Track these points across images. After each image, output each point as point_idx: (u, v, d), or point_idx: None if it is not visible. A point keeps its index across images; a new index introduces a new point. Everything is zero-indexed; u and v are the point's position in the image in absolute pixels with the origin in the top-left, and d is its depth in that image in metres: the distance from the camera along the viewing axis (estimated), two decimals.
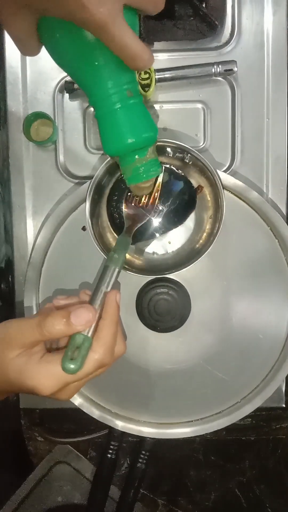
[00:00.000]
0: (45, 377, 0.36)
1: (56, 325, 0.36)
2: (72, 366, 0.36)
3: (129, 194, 0.49)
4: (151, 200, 0.49)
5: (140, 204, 0.49)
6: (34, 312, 0.55)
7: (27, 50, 0.37)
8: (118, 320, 0.40)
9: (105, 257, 0.49)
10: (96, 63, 0.36)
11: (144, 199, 0.49)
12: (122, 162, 0.43)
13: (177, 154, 0.50)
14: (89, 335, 0.37)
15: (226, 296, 0.55)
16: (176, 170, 0.51)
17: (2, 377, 0.37)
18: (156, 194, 0.49)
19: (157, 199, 0.49)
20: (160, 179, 0.49)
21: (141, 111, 0.40)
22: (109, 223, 0.53)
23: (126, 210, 0.49)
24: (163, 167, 0.50)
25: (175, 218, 0.52)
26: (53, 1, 0.31)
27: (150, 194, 0.49)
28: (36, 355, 0.37)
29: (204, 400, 0.56)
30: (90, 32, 0.33)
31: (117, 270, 0.41)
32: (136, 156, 0.42)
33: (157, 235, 0.53)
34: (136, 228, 0.48)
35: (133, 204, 0.49)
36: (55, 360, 0.36)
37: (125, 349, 0.41)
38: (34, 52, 0.38)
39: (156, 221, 0.52)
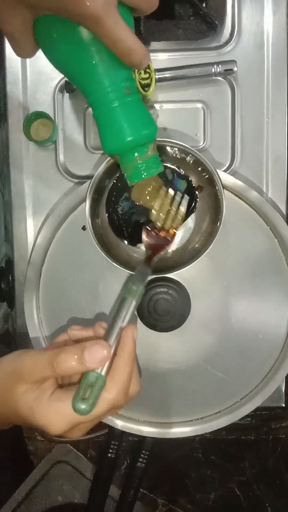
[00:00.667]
0: (55, 417, 0.34)
1: (69, 362, 0.34)
2: (83, 406, 0.34)
3: (150, 224, 0.48)
4: (172, 230, 0.47)
5: (161, 234, 0.48)
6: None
7: (22, 50, 0.37)
8: (134, 358, 0.37)
9: (105, 257, 0.49)
10: (93, 62, 0.36)
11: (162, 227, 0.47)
12: (122, 160, 0.43)
13: (177, 154, 0.50)
14: (103, 373, 0.35)
15: (225, 296, 0.55)
16: (178, 170, 0.51)
17: (12, 411, 0.36)
18: (179, 224, 0.47)
19: (178, 229, 0.47)
20: (183, 209, 0.47)
21: (140, 108, 0.40)
22: (108, 223, 0.53)
23: (146, 239, 0.48)
24: (181, 174, 0.49)
25: None
26: None
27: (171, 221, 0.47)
28: (47, 392, 0.35)
29: (204, 399, 0.56)
30: (85, 27, 0.33)
31: (134, 302, 0.39)
32: (136, 154, 0.42)
33: None
34: (157, 258, 0.46)
35: (154, 234, 0.48)
36: (66, 398, 0.35)
37: (139, 389, 0.39)
38: (30, 53, 0.37)
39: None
